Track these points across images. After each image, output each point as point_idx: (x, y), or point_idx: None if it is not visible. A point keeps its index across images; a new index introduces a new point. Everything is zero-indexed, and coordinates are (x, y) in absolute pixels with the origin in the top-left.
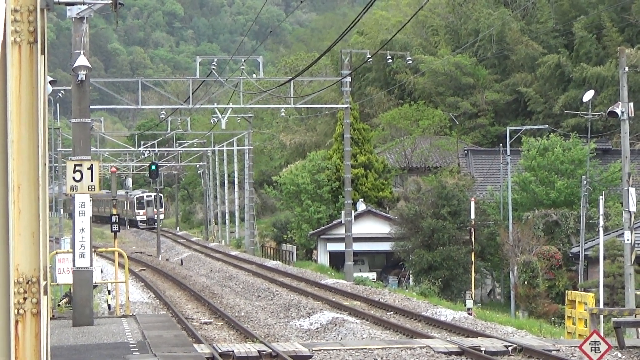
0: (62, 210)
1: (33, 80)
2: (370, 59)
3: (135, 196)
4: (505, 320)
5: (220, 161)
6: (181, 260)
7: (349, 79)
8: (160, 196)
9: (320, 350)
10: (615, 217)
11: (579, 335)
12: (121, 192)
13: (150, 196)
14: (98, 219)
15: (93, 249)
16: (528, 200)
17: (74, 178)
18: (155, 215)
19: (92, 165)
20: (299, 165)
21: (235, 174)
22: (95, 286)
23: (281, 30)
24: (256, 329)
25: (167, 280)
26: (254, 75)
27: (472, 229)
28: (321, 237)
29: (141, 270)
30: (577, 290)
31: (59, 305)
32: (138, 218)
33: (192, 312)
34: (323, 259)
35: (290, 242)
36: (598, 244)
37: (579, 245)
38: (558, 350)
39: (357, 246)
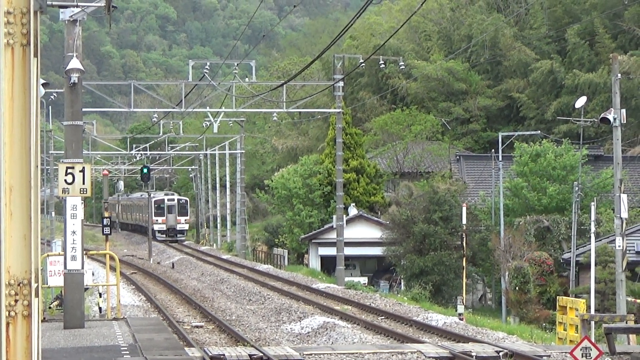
0: (53, 213)
1: (26, 82)
2: (362, 64)
3: (154, 199)
4: (496, 325)
5: (212, 165)
6: (172, 264)
7: (341, 83)
8: (185, 200)
9: (311, 354)
10: (607, 224)
11: (570, 341)
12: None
13: (173, 200)
14: (131, 227)
15: (84, 252)
16: (520, 206)
17: (65, 181)
18: (178, 225)
19: (84, 168)
20: (290, 170)
21: (227, 178)
22: (86, 289)
23: (274, 34)
24: (247, 332)
25: (159, 283)
26: (247, 79)
27: (464, 234)
28: (313, 241)
29: (132, 273)
30: (569, 296)
31: (50, 307)
32: (155, 227)
33: (183, 316)
34: (314, 263)
35: (282, 246)
36: (589, 250)
37: (570, 251)
38: (549, 355)
39: (349, 251)
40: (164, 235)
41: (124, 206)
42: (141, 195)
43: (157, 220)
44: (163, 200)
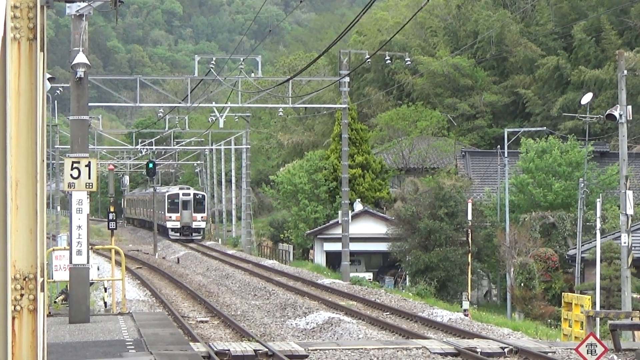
0: (59, 207)
1: (32, 76)
2: (369, 60)
3: (167, 194)
4: (501, 321)
5: (218, 160)
6: (178, 259)
7: (347, 79)
8: (202, 195)
9: (316, 350)
10: (612, 220)
11: (575, 337)
12: (162, 189)
13: (189, 194)
14: (147, 224)
15: (90, 247)
16: (525, 202)
17: (71, 175)
18: (194, 223)
19: (89, 162)
20: (296, 165)
21: (233, 173)
22: (91, 283)
23: (280, 29)
24: (252, 328)
25: (164, 278)
26: (253, 75)
27: (469, 230)
28: (318, 236)
29: (137, 268)
30: (574, 292)
31: (55, 302)
32: (169, 225)
33: (189, 311)
34: (320, 258)
35: (287, 241)
36: (595, 246)
37: (575, 248)
38: (554, 352)
39: (354, 246)
40: (178, 234)
41: (137, 201)
42: (161, 189)
43: (170, 217)
44: (177, 194)
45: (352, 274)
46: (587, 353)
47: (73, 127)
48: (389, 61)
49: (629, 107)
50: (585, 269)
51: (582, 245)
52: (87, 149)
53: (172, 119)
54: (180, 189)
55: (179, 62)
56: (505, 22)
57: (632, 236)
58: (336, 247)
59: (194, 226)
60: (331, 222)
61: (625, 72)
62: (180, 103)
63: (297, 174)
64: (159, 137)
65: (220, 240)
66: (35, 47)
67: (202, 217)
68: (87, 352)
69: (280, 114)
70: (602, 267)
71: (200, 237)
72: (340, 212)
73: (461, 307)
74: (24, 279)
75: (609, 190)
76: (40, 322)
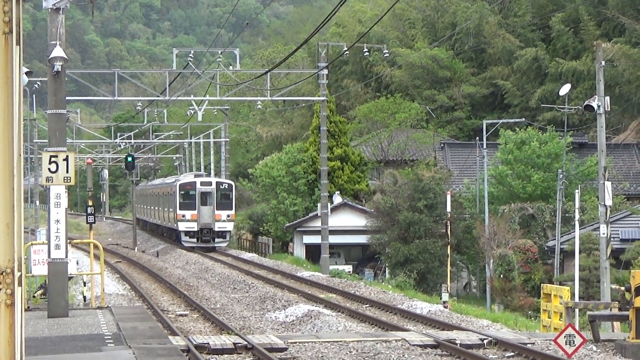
0: (37, 202)
1: (8, 70)
2: (347, 52)
3: (179, 183)
4: (480, 313)
5: (197, 153)
6: (157, 252)
7: (325, 71)
8: (229, 184)
9: (295, 342)
10: (591, 211)
11: (554, 328)
12: (169, 179)
13: (209, 184)
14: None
15: (68, 241)
16: (504, 193)
17: (49, 169)
18: (217, 224)
19: (67, 156)
20: (275, 158)
21: (212, 166)
22: (70, 278)
23: (258, 22)
24: (231, 321)
25: (143, 272)
26: (231, 68)
27: (449, 222)
28: (297, 229)
29: (117, 262)
30: (553, 283)
31: (34, 296)
32: (181, 226)
33: (168, 304)
34: (299, 251)
35: (266, 234)
36: (574, 237)
37: (554, 239)
38: (533, 343)
39: (333, 239)
40: (195, 240)
41: (152, 197)
42: (166, 180)
43: (183, 216)
44: (193, 184)
45: (331, 267)
46: (566, 344)
47: (51, 121)
48: (367, 53)
49: (607, 98)
50: (564, 260)
51: (561, 237)
52: (65, 143)
53: (150, 113)
54: (196, 176)
55: (157, 55)
56: (483, 13)
57: (611, 227)
58: (315, 239)
59: (217, 228)
60: (310, 214)
61: (603, 63)
62: (158, 96)
63: (275, 167)
64: (137, 130)
65: None
66: (11, 41)
67: (228, 216)
68: (65, 346)
69: (259, 106)
70: (581, 258)
71: (225, 244)
72: (319, 204)
73: (441, 299)
74: (1, 274)
75: (588, 182)
76: (17, 316)
